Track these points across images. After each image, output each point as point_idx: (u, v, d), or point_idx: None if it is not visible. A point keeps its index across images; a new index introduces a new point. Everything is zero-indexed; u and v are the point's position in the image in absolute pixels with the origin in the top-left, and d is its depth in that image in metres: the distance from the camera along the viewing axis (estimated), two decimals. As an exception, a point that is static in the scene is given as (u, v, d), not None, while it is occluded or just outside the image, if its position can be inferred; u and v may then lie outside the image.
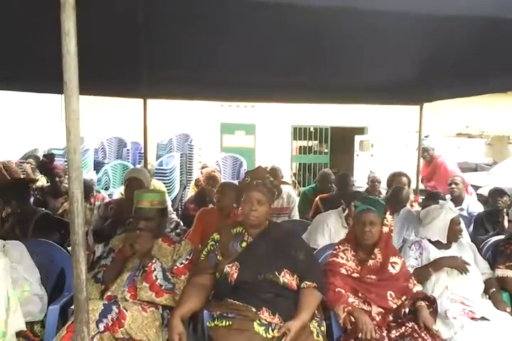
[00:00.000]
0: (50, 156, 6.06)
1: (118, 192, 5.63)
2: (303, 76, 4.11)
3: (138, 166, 5.78)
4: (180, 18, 2.99)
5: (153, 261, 2.48)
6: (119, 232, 3.88)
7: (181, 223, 4.26)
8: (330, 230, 3.61)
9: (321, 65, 3.76)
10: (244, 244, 2.58)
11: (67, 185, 5.42)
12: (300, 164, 14.96)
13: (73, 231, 1.51)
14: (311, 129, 14.73)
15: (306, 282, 2.49)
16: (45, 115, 10.99)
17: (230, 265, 2.47)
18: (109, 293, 2.52)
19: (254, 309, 2.37)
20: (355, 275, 2.70)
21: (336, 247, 2.83)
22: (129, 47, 3.77)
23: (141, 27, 3.43)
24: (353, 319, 2.50)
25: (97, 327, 2.15)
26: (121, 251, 2.55)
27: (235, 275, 2.43)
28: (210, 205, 4.75)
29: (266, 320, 2.35)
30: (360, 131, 14.49)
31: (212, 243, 2.62)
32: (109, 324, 2.20)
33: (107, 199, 5.18)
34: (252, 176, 2.66)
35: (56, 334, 2.47)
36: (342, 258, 2.76)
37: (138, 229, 2.62)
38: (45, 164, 5.74)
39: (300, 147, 15.12)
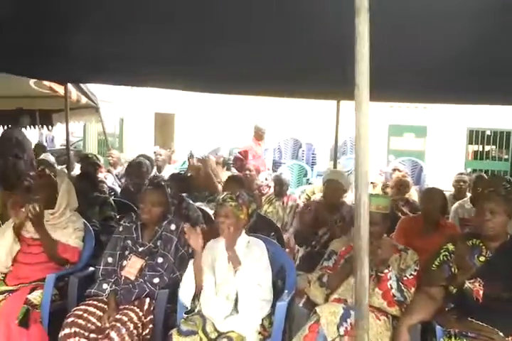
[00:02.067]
0: (244, 153, 6.42)
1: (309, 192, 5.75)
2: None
3: (336, 168, 5.75)
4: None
5: (390, 268, 2.42)
6: (320, 234, 3.96)
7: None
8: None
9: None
10: (482, 259, 2.39)
11: (257, 182, 5.74)
12: (475, 170, 13.77)
13: (358, 235, 1.50)
14: (488, 133, 13.48)
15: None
16: (227, 115, 11.77)
17: (472, 281, 2.29)
18: (336, 296, 2.53)
19: (501, 333, 2.17)
20: None
21: None
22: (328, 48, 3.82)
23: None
24: None
25: (338, 331, 2.16)
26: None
27: (481, 293, 2.24)
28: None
29: (514, 346, 2.14)
30: (550, 135, 12.83)
31: (446, 253, 2.47)
32: (349, 328, 2.19)
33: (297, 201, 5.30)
34: (484, 185, 2.47)
35: (283, 330, 2.58)
36: None
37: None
38: (239, 160, 6.08)
39: (475, 152, 13.92)
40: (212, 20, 3.74)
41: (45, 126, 7.00)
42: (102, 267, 2.84)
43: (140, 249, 2.82)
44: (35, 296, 2.79)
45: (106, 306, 2.69)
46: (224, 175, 6.16)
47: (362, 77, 1.50)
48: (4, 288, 2.84)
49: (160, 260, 2.78)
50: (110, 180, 5.92)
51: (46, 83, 5.68)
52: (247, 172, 5.60)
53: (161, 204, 2.81)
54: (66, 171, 4.28)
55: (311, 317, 2.36)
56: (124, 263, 2.81)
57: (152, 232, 2.85)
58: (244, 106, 12.75)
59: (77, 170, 5.58)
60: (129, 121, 14.76)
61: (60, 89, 5.71)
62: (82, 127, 12.69)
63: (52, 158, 5.56)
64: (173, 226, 2.84)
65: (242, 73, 4.35)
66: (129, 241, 2.84)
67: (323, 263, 2.76)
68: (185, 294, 2.63)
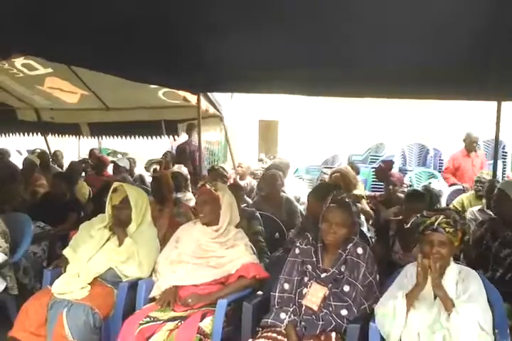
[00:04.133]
0: (388, 163, 5.93)
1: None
2: None
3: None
4: None
5: None
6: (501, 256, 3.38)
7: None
8: None
9: None
10: None
11: (400, 195, 5.25)
12: None
13: None
14: None
15: None
16: (345, 121, 11.32)
17: None
18: None
19: None
20: None
21: None
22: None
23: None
24: None
25: None
26: None
27: None
28: None
29: None
30: None
31: None
32: None
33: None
34: None
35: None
36: None
37: None
38: (382, 170, 5.62)
39: None
40: (350, 22, 3.42)
41: (171, 136, 7.04)
42: (277, 294, 2.53)
43: (322, 275, 2.47)
44: (206, 324, 2.55)
45: (285, 339, 2.38)
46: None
47: None
48: (173, 314, 2.62)
49: (346, 288, 2.42)
50: (239, 190, 5.72)
51: (180, 93, 5.66)
52: (395, 188, 5.13)
53: (347, 225, 2.45)
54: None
55: None
56: (304, 290, 2.49)
57: (335, 256, 2.49)
58: (354, 111, 12.21)
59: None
60: (232, 129, 14.81)
61: (192, 99, 5.67)
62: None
63: (185, 170, 5.47)
64: (359, 250, 2.47)
65: (394, 74, 4.00)
66: (309, 266, 2.51)
67: None
68: (394, 331, 2.23)
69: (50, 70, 5.84)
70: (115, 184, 3.09)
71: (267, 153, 15.11)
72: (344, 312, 2.37)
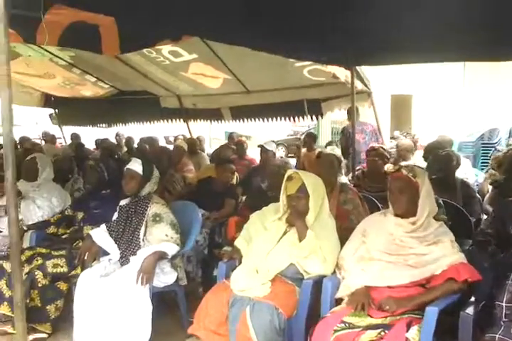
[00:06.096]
0: None
1: None
2: None
3: None
4: None
5: None
6: None
7: None
8: None
9: None
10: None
11: None
12: None
13: None
14: None
15: None
16: (494, 92, 10.17)
17: None
18: None
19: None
20: None
21: None
22: None
23: None
24: None
25: None
26: None
27: None
28: None
29: None
30: None
31: None
32: None
33: None
34: None
35: None
36: None
37: None
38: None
39: None
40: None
41: (313, 117, 6.67)
42: (504, 304, 2.06)
43: None
44: (413, 335, 2.14)
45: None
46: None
47: None
48: (371, 320, 2.25)
49: None
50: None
51: (329, 70, 5.26)
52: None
53: None
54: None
55: None
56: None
57: None
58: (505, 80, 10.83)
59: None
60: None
61: (341, 75, 5.25)
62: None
63: (338, 151, 5.09)
64: None
65: None
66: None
67: None
68: None
69: (195, 56, 5.77)
70: (289, 171, 2.78)
71: (400, 129, 14.08)
72: None
